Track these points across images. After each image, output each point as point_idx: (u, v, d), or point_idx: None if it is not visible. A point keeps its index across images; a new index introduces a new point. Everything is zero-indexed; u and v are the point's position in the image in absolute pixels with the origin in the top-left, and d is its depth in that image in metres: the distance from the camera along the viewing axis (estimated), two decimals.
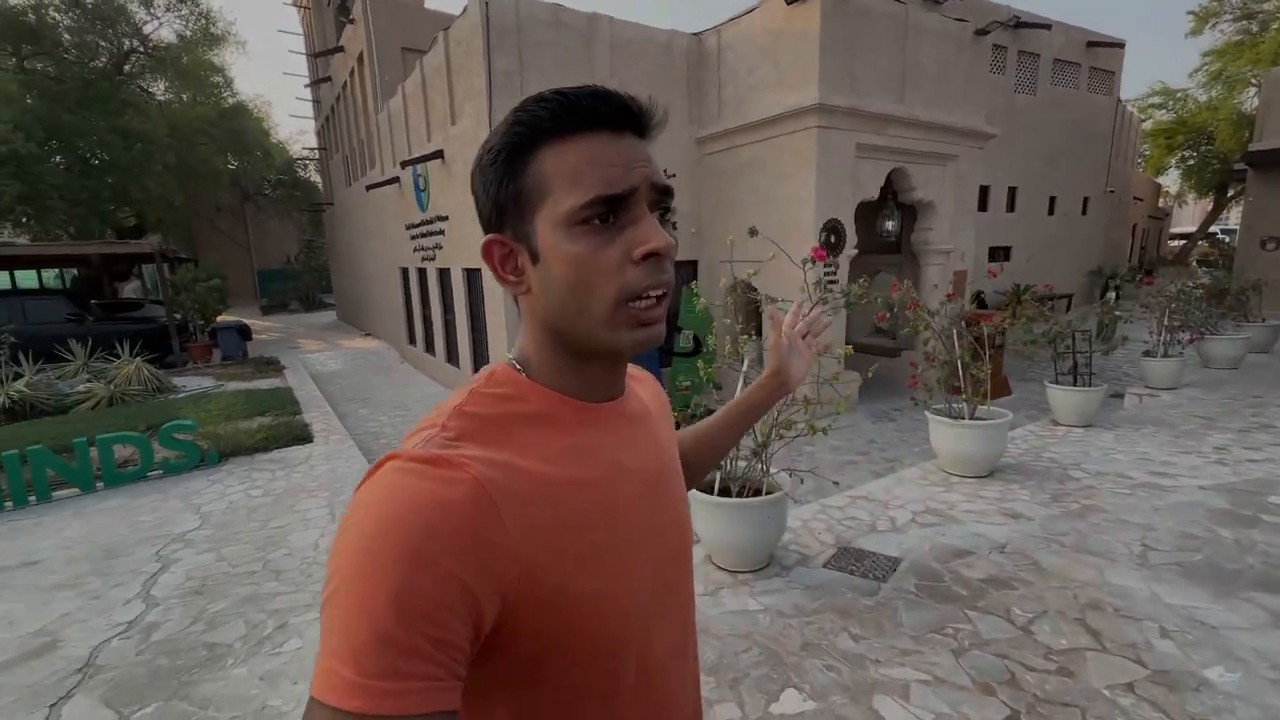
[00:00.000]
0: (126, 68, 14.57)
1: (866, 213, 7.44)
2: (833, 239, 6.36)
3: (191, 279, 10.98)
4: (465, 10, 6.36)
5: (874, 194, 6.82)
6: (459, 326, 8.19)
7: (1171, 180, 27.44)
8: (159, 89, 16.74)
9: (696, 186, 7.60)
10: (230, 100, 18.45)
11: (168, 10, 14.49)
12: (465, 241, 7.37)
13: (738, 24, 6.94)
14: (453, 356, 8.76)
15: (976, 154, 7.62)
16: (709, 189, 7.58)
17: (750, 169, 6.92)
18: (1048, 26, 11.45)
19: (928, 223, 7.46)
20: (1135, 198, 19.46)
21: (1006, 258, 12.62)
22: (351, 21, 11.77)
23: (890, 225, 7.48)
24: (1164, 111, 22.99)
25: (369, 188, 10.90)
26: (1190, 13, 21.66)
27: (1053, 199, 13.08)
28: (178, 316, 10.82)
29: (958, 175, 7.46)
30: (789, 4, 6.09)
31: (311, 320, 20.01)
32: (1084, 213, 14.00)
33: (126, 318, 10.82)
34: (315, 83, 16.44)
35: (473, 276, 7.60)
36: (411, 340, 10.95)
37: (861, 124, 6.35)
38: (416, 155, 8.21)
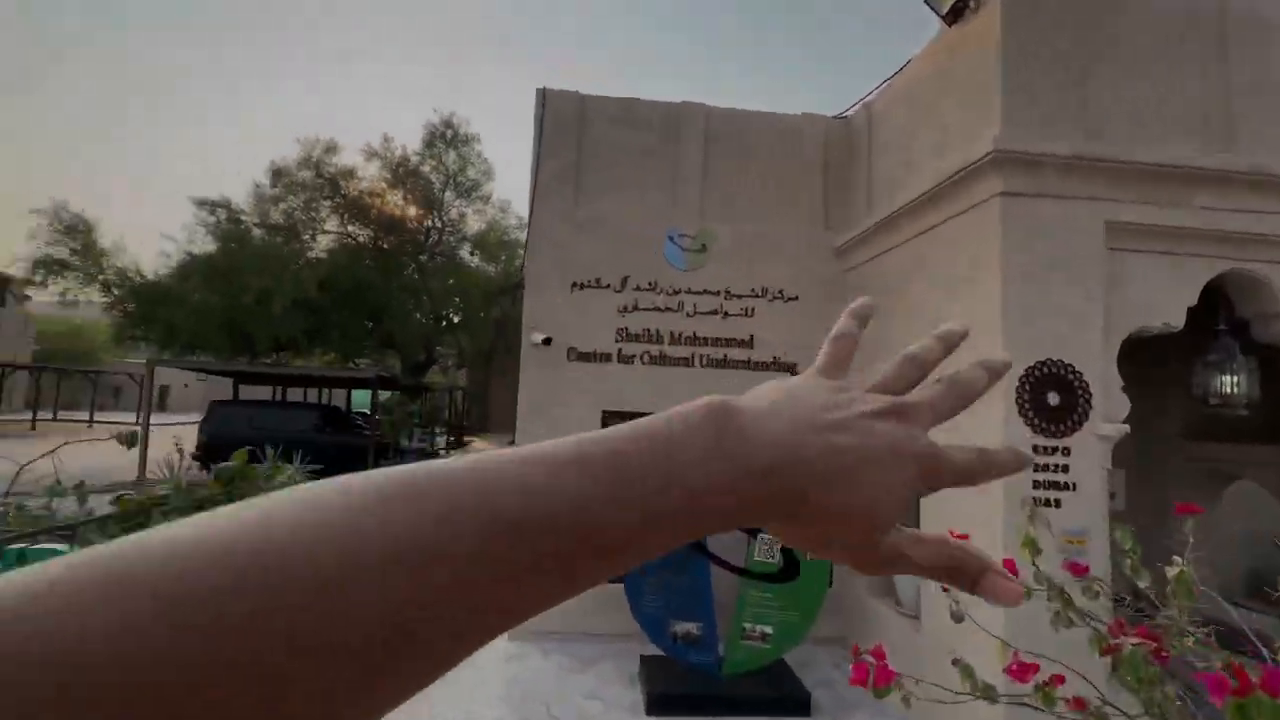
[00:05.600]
0: (438, 239, 18.96)
1: (1185, 353, 3.90)
2: (1052, 401, 3.15)
3: (395, 403, 12.24)
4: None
5: (1174, 319, 3.42)
6: None
7: None
8: (471, 259, 21.55)
9: (833, 312, 5.12)
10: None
11: (468, 204, 18.78)
12: None
13: (893, 85, 4.77)
14: None
15: None
16: None
17: (907, 280, 4.25)
18: None
19: None
20: None
21: None
22: None
23: (1233, 384, 3.66)
24: None
25: None
26: None
27: None
28: (378, 435, 12.02)
29: None
30: (950, 24, 3.77)
31: None
32: None
33: (354, 432, 12.47)
34: None
35: None
36: None
37: (1115, 184, 3.31)
38: None
